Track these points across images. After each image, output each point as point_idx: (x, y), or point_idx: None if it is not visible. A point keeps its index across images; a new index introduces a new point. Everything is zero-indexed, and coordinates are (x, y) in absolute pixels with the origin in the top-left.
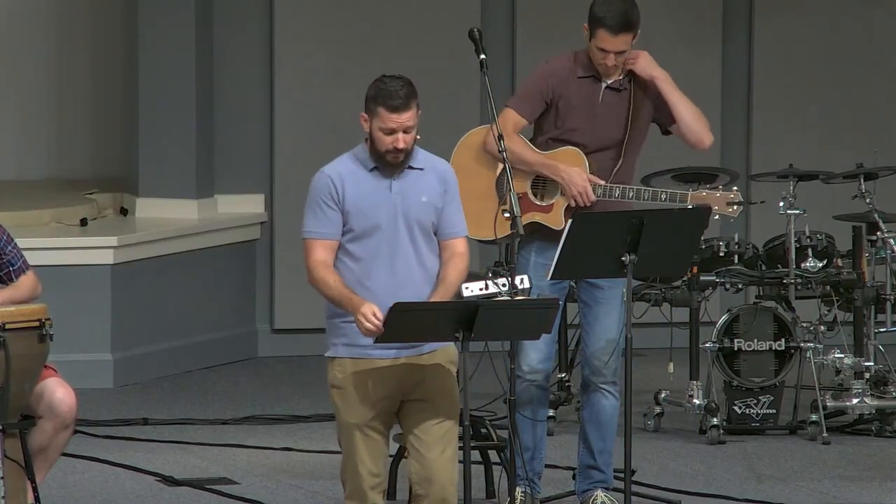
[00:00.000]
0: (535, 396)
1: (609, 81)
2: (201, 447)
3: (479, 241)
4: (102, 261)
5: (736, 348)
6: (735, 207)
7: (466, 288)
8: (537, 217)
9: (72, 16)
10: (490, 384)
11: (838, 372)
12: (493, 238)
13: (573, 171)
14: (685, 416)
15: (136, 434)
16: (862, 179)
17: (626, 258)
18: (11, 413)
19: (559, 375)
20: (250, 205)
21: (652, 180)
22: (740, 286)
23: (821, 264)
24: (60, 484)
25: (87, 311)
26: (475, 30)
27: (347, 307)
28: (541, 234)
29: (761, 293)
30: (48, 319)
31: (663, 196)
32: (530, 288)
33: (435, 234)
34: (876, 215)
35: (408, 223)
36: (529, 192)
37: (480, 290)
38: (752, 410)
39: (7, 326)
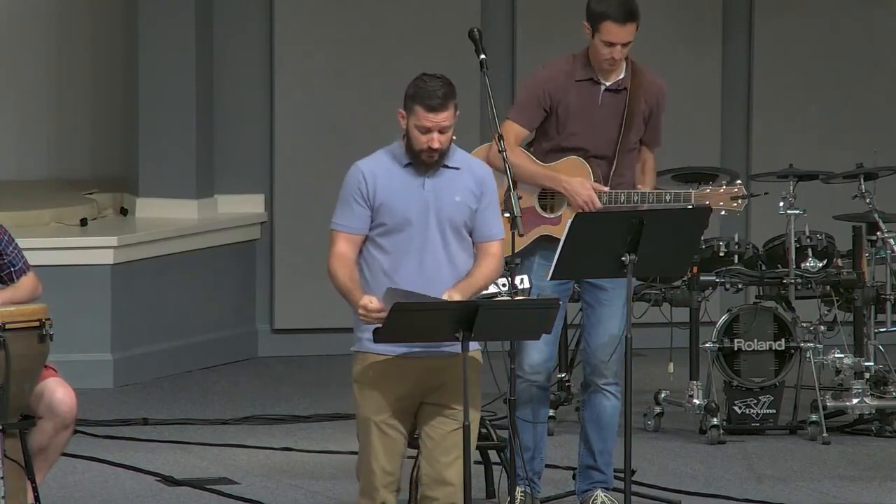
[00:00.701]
0: (536, 396)
1: (608, 83)
2: (201, 447)
3: None
4: (102, 261)
5: (736, 348)
6: (740, 201)
7: None
8: (546, 230)
9: (72, 16)
10: (490, 384)
11: (838, 372)
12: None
13: (575, 181)
14: (685, 416)
15: (136, 434)
16: (862, 179)
17: (626, 258)
18: (11, 413)
19: (559, 375)
20: (250, 205)
21: None
22: (740, 286)
23: (821, 264)
24: (60, 484)
25: (87, 311)
26: (475, 30)
27: (350, 302)
28: (548, 238)
29: (761, 293)
30: (48, 319)
31: (668, 197)
32: (530, 288)
33: (470, 234)
34: (876, 215)
35: (439, 221)
36: (537, 205)
37: None
38: (752, 410)
39: (7, 326)
